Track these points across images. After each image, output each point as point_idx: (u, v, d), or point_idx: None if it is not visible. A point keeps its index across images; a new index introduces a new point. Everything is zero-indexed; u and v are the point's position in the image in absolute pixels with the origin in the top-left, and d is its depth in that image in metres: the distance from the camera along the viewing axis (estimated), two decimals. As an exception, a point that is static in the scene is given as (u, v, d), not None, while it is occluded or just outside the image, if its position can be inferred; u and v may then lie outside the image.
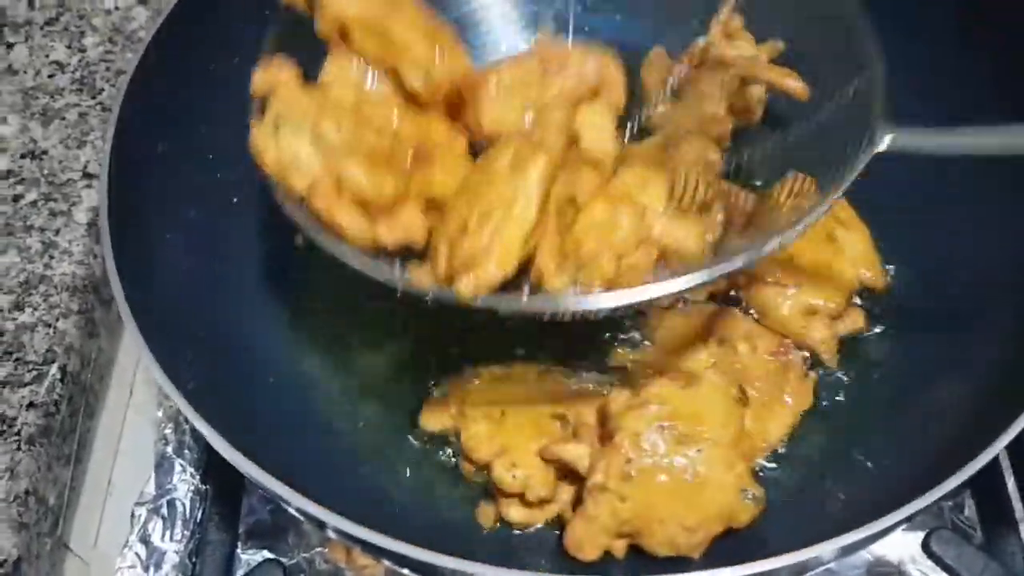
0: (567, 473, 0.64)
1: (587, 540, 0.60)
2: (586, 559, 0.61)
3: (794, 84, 0.73)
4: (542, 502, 0.64)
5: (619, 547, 0.61)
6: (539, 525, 0.65)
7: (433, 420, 0.69)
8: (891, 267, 0.74)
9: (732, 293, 0.72)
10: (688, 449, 0.60)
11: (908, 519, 0.54)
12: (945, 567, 0.64)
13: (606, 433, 0.62)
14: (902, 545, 0.69)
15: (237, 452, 0.52)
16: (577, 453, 0.62)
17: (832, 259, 0.71)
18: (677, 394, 0.62)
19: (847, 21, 0.63)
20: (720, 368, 0.67)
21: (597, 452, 0.62)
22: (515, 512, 0.64)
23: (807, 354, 0.70)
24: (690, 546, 0.60)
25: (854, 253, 0.72)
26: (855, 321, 0.71)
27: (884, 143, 0.59)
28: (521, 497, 0.64)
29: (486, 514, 0.66)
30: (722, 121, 0.75)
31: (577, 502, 0.62)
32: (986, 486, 0.70)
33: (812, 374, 0.70)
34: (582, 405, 0.67)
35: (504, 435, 0.65)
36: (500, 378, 0.70)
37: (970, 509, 0.71)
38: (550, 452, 0.63)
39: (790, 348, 0.69)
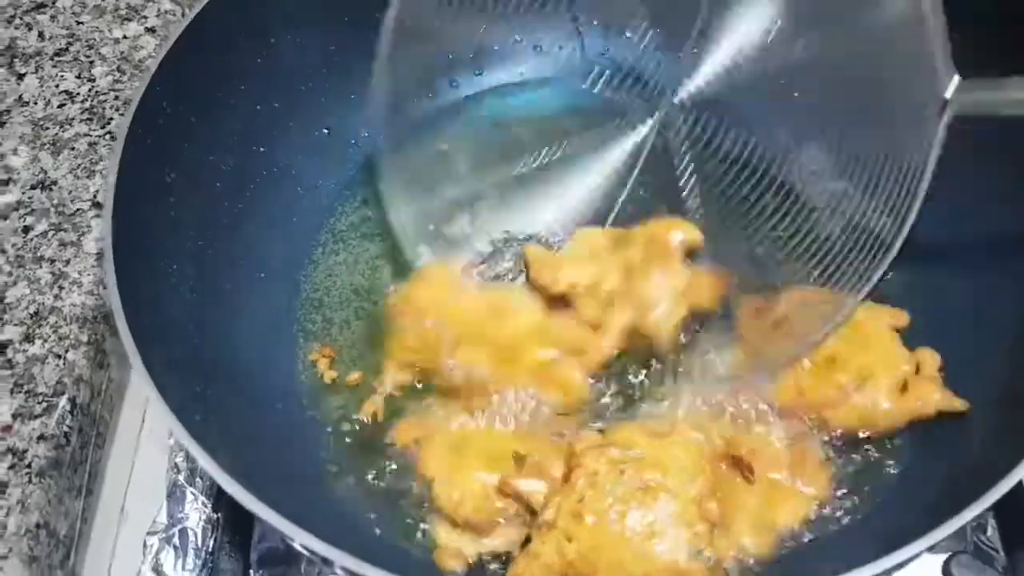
0: (528, 511, 0.62)
1: None
2: None
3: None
4: (477, 531, 0.62)
5: None
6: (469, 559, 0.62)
7: (402, 435, 0.68)
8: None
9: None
10: (646, 497, 0.58)
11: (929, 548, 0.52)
12: (966, 592, 0.63)
13: (568, 472, 0.61)
14: (922, 568, 0.68)
15: (242, 489, 0.52)
16: (534, 487, 0.61)
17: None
18: (645, 441, 0.61)
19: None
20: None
21: (554, 490, 0.60)
22: (443, 533, 0.63)
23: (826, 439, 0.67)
24: None
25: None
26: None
27: (949, 91, 0.56)
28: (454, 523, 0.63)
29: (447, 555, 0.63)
30: None
31: (527, 540, 0.60)
32: (1008, 507, 0.68)
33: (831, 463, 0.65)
34: (551, 450, 0.65)
35: (457, 457, 0.65)
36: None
37: (993, 530, 0.69)
38: (508, 485, 0.62)
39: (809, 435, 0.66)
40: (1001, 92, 0.58)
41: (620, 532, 0.57)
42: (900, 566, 0.52)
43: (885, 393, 0.66)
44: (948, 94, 0.57)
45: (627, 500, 0.58)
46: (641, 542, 0.57)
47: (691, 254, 0.72)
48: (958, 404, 0.66)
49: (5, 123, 0.83)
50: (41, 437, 0.67)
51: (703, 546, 0.58)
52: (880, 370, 0.66)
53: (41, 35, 0.90)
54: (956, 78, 0.57)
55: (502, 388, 0.68)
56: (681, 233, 0.72)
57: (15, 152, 0.82)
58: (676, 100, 0.76)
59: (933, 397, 0.66)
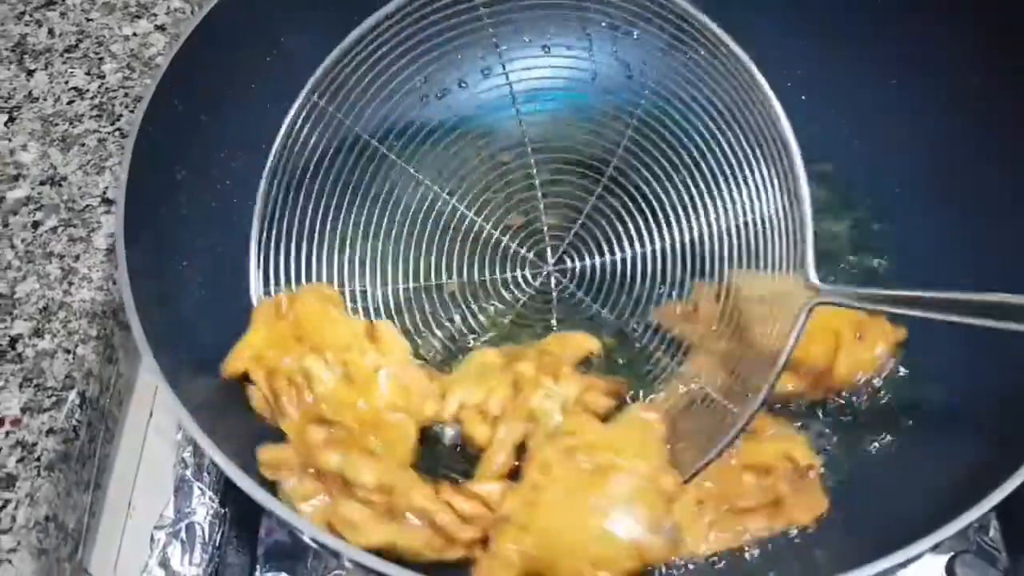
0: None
1: None
2: None
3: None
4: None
5: None
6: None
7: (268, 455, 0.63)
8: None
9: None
10: (599, 478, 0.58)
11: (933, 548, 0.53)
12: (969, 592, 0.63)
13: (518, 467, 0.61)
14: (925, 568, 0.68)
15: (253, 483, 0.53)
16: (491, 487, 0.61)
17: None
18: (595, 427, 0.61)
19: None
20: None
21: (507, 487, 0.60)
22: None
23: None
24: None
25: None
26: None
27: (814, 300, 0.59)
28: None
29: None
30: None
31: (486, 541, 0.59)
32: (1011, 508, 0.68)
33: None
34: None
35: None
36: None
37: (995, 531, 0.70)
38: (467, 490, 0.61)
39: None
40: (856, 298, 0.60)
41: (575, 516, 0.57)
42: (903, 565, 0.52)
43: (858, 342, 0.69)
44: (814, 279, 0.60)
45: (580, 483, 0.58)
46: (598, 523, 0.57)
47: (587, 362, 0.71)
48: (901, 332, 0.70)
49: (15, 119, 0.84)
50: (50, 431, 0.68)
51: (662, 519, 0.58)
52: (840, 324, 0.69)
53: (51, 32, 0.90)
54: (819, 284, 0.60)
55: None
56: (577, 345, 0.71)
57: (25, 148, 0.82)
58: (552, 268, 0.78)
59: (886, 331, 0.70)
